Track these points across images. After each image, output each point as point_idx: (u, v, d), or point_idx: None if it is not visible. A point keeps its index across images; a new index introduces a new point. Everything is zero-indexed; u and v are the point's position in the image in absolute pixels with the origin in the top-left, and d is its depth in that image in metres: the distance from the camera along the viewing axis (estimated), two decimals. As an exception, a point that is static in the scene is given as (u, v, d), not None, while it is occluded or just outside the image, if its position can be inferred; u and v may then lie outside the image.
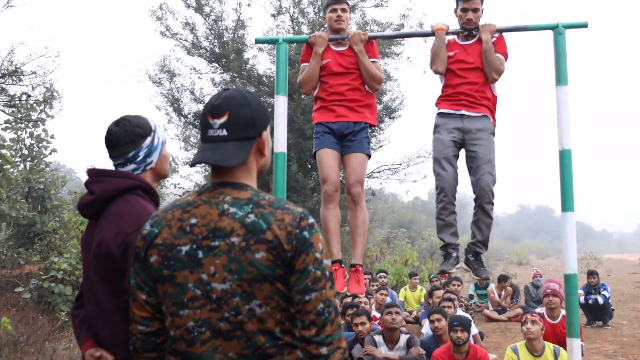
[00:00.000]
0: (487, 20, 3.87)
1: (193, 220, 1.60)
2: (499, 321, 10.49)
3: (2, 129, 11.58)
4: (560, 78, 3.48)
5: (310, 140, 12.23)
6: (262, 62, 17.01)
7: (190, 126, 15.41)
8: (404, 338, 5.91)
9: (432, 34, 3.87)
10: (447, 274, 4.09)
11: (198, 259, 1.56)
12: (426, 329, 6.98)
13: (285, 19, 14.87)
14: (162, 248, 1.60)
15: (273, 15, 14.83)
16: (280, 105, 3.60)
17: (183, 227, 1.60)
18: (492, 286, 11.21)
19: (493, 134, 3.91)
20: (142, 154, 2.22)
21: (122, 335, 1.99)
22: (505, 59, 3.87)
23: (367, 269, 14.46)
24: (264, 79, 14.62)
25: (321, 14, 13.71)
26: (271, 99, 11.90)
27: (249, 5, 14.88)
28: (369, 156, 3.99)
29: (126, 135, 2.20)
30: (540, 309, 6.82)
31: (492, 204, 3.88)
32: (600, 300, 9.83)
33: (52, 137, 12.58)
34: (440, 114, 3.95)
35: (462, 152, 3.96)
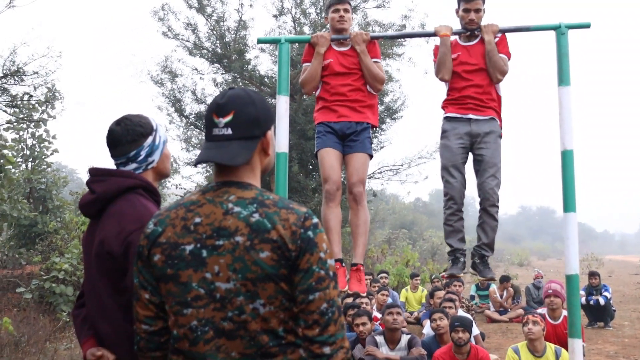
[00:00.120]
0: (488, 20, 3.86)
1: (197, 219, 1.59)
2: (500, 322, 10.49)
3: (4, 129, 11.56)
4: (563, 78, 3.48)
5: (312, 141, 12.22)
6: (263, 63, 17.07)
7: (192, 127, 15.42)
8: (405, 338, 5.91)
9: (434, 34, 3.86)
10: (455, 276, 4.10)
11: (202, 258, 1.56)
12: (427, 329, 6.97)
13: (287, 20, 14.87)
14: (166, 247, 1.60)
15: (275, 16, 14.82)
16: (282, 105, 3.60)
17: (187, 226, 1.59)
18: (494, 287, 11.21)
19: (500, 136, 3.91)
20: (143, 153, 2.22)
21: (123, 334, 2.00)
22: (509, 59, 3.85)
23: (369, 269, 14.46)
24: (266, 79, 14.61)
25: (323, 15, 13.72)
26: (273, 100, 11.89)
27: (250, 5, 14.83)
28: (371, 156, 3.99)
29: (128, 135, 2.19)
30: (542, 310, 6.82)
31: (497, 207, 3.88)
32: (602, 301, 9.83)
33: (53, 137, 12.56)
34: (447, 118, 3.93)
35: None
